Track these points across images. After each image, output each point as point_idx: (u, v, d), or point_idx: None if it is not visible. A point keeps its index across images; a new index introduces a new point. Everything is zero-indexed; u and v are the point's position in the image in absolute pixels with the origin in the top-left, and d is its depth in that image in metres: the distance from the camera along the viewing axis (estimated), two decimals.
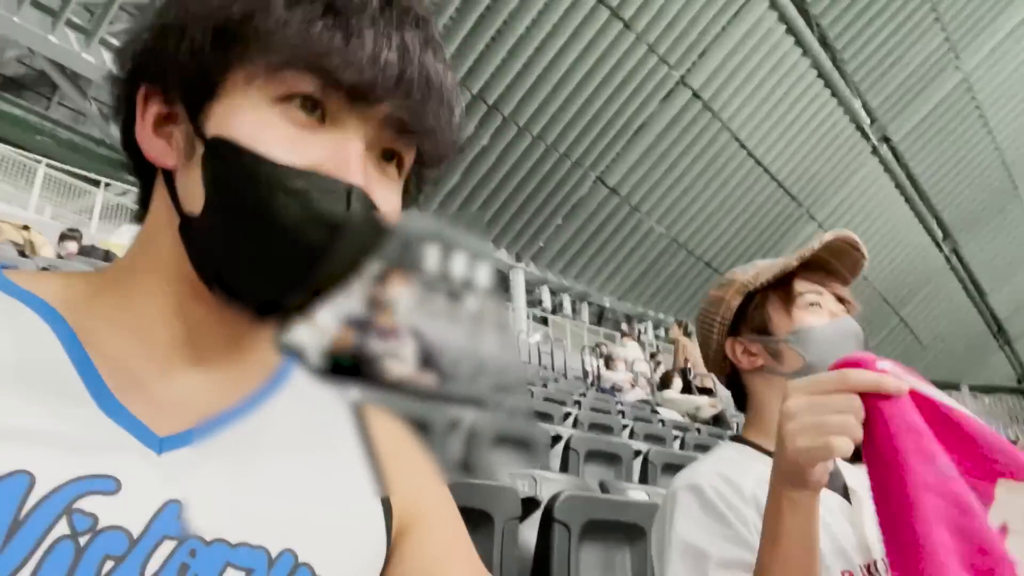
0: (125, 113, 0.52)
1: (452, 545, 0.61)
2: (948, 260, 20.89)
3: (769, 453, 0.94)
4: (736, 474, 0.90)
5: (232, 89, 0.48)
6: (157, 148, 0.50)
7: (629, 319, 15.98)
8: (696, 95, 13.39)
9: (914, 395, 0.63)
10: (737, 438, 1.03)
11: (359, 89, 0.48)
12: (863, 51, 14.74)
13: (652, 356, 11.32)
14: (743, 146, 14.61)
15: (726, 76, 13.42)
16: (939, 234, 19.95)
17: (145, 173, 0.53)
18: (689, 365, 7.93)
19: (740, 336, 1.01)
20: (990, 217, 20.14)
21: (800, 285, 0.99)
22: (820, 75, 14.46)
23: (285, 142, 0.47)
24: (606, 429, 3.97)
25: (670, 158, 14.06)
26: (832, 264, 1.01)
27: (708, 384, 7.35)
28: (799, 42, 13.72)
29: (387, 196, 0.52)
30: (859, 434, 0.62)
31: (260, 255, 0.48)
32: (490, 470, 2.09)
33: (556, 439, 2.91)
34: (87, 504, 0.43)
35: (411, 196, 0.58)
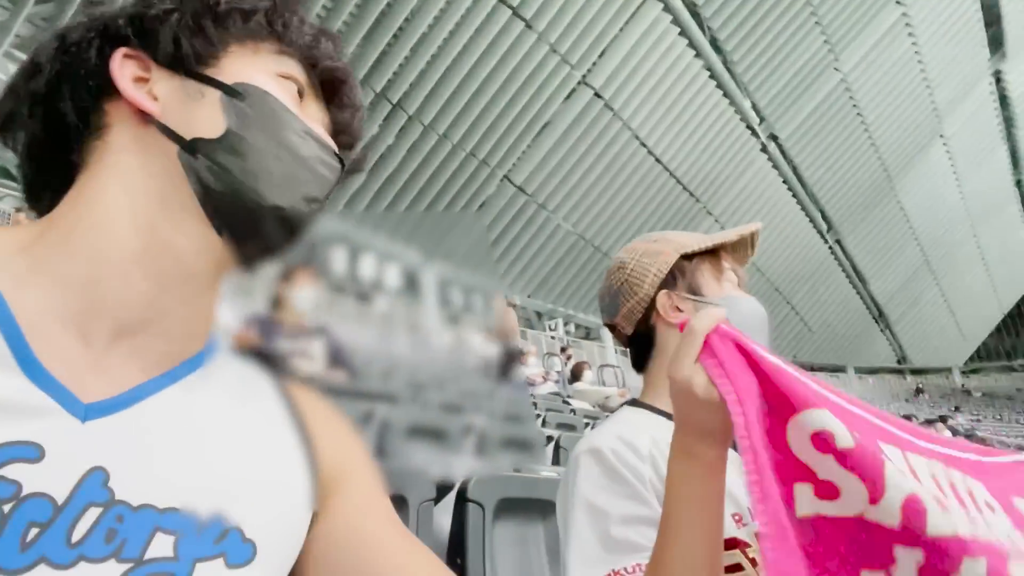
0: (85, 77, 0.56)
1: (373, 503, 0.64)
2: (832, 251, 22.28)
3: (665, 414, 0.99)
4: (633, 435, 0.94)
5: (233, 56, 0.57)
6: (142, 96, 0.55)
7: (540, 315, 16.21)
8: (597, 94, 13.72)
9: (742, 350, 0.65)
10: (634, 402, 1.07)
11: (333, 90, 0.62)
12: (751, 52, 15.52)
13: (563, 350, 11.51)
14: (643, 144, 15.09)
15: (625, 76, 13.82)
16: (823, 226, 21.24)
17: (77, 135, 0.56)
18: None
19: (673, 291, 1.06)
20: (869, 209, 21.62)
21: (726, 260, 1.08)
22: (712, 76, 15.12)
23: (289, 101, 0.58)
24: (518, 420, 4.02)
25: (575, 156, 14.35)
26: (734, 250, 1.11)
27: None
28: (692, 44, 14.29)
29: None
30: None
31: (276, 172, 0.55)
32: (403, 459, 2.08)
33: (470, 429, 2.93)
34: (10, 472, 0.43)
35: None
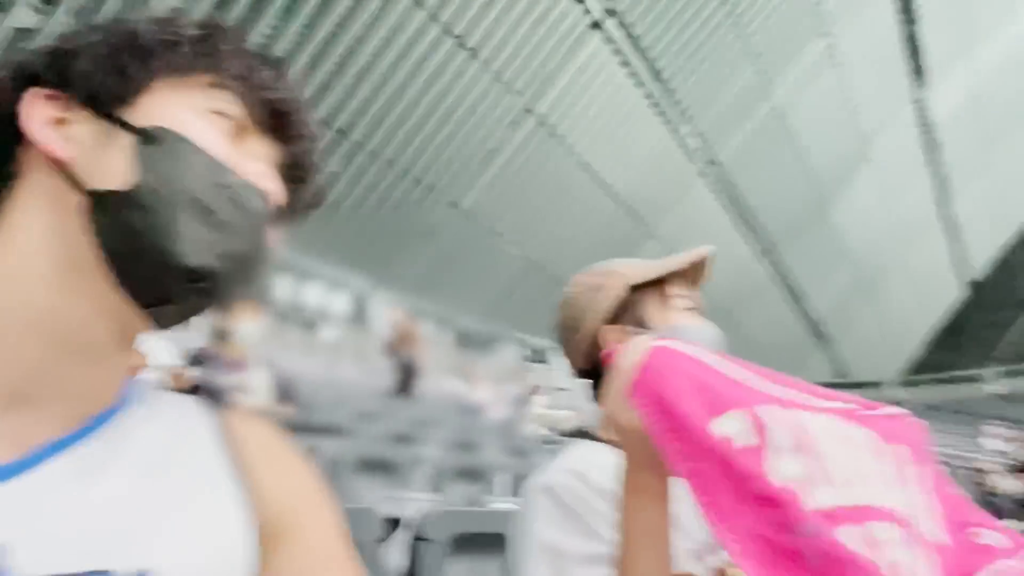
0: None
1: (328, 552, 0.59)
2: (770, 271, 22.90)
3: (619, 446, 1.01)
4: (584, 468, 0.93)
5: (156, 94, 0.52)
6: (53, 140, 0.50)
7: (491, 339, 16.17)
8: (541, 122, 13.91)
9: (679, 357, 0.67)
10: (584, 434, 1.07)
11: (275, 120, 0.57)
12: (688, 80, 15.97)
13: (516, 374, 11.51)
14: (587, 170, 15.33)
15: (568, 104, 14.05)
16: (760, 247, 21.84)
17: None
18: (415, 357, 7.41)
19: (616, 326, 1.04)
20: (804, 231, 22.33)
21: (672, 288, 1.07)
22: (653, 103, 15.51)
23: (216, 141, 0.52)
24: (471, 447, 4.01)
25: (520, 182, 14.46)
26: (687, 273, 1.11)
27: None
28: (632, 73, 14.64)
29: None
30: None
31: (188, 230, 0.49)
32: (352, 497, 2.07)
33: (421, 461, 2.92)
34: None
35: None
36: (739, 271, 21.21)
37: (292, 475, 0.61)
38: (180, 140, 0.51)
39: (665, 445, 0.62)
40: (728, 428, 0.61)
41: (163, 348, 2.89)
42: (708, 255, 1.10)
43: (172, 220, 0.48)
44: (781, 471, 0.59)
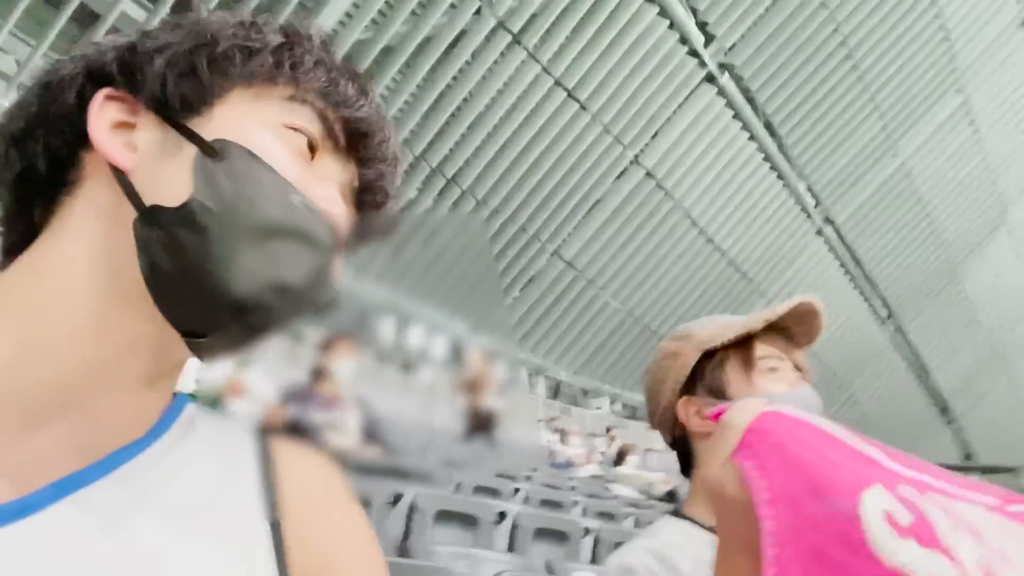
0: (61, 120, 0.49)
1: None
2: (892, 338, 21.52)
3: (711, 529, 0.89)
4: (673, 553, 0.84)
5: (230, 104, 0.49)
6: (116, 147, 0.47)
7: (585, 393, 15.93)
8: (649, 174, 13.82)
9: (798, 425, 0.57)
10: (676, 513, 0.97)
11: (354, 139, 0.53)
12: (806, 137, 15.49)
13: (608, 430, 11.23)
14: (695, 224, 15.03)
15: (677, 157, 13.91)
16: (883, 313, 20.59)
17: (48, 186, 0.49)
18: None
19: (694, 396, 0.95)
20: (931, 298, 20.93)
21: (761, 349, 0.95)
22: (766, 158, 15.10)
23: (287, 160, 0.49)
24: (556, 505, 3.86)
25: (625, 234, 14.35)
26: (791, 329, 0.99)
27: None
28: (746, 127, 14.36)
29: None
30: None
31: (240, 255, 0.44)
32: (426, 550, 1.98)
33: (503, 516, 2.80)
34: None
35: None
36: (857, 339, 20.03)
37: (338, 522, 0.55)
38: (245, 156, 0.47)
39: (762, 518, 0.52)
40: (877, 504, 0.50)
41: (261, 381, 2.95)
42: (810, 305, 0.97)
43: (224, 242, 0.44)
44: (960, 551, 0.48)
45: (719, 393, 0.93)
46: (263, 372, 2.98)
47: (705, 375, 0.95)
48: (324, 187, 0.50)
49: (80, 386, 0.44)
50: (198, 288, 0.44)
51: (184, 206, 0.44)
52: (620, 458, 7.51)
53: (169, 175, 0.46)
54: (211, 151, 0.46)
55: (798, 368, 0.96)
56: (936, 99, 16.49)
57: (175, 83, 0.48)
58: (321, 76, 0.51)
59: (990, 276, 21.48)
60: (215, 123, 0.48)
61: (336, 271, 0.51)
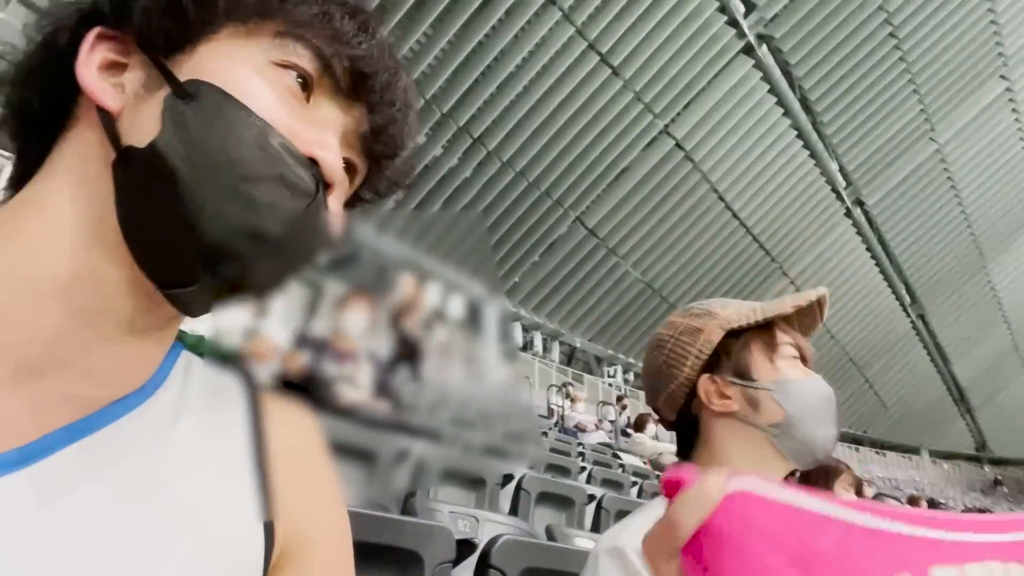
0: (56, 61, 0.47)
1: None
2: (914, 325, 21.26)
3: None
4: None
5: (218, 43, 0.46)
6: (103, 88, 0.45)
7: (599, 361, 15.97)
8: (679, 145, 13.62)
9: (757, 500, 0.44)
10: None
11: (356, 80, 0.49)
12: (842, 115, 15.15)
13: (619, 399, 11.27)
14: (721, 198, 14.84)
15: (708, 129, 13.68)
16: (907, 299, 20.32)
17: (42, 126, 0.48)
18: None
19: (717, 375, 0.94)
20: (957, 287, 20.60)
21: (782, 335, 0.94)
22: (800, 136, 14.80)
23: (272, 100, 0.45)
24: (563, 471, 3.90)
25: (649, 204, 14.22)
26: (797, 318, 0.98)
27: None
28: (781, 102, 14.05)
29: (336, 203, 0.49)
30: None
31: (211, 201, 0.42)
32: (430, 508, 2.02)
33: (508, 478, 2.84)
34: None
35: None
36: (878, 324, 19.84)
37: (317, 487, 0.55)
38: (217, 96, 0.43)
39: None
40: None
41: (278, 330, 3.00)
42: (825, 298, 0.96)
43: (191, 186, 0.41)
44: None
45: (744, 374, 0.92)
46: (279, 321, 3.01)
47: (731, 355, 0.93)
48: (316, 130, 0.46)
49: (70, 336, 0.43)
50: (166, 235, 0.42)
51: (149, 147, 0.42)
52: (639, 426, 7.50)
53: (144, 116, 0.44)
54: (182, 91, 0.43)
55: (803, 356, 0.95)
56: (979, 84, 16.00)
57: (159, 18, 0.45)
58: (314, 8, 0.47)
59: (1019, 270, 21.06)
60: (196, 61, 0.45)
61: (329, 221, 0.47)
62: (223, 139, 0.42)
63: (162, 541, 0.44)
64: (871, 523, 0.40)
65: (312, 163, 0.45)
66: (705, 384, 0.94)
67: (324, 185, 0.46)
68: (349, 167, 0.51)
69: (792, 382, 0.91)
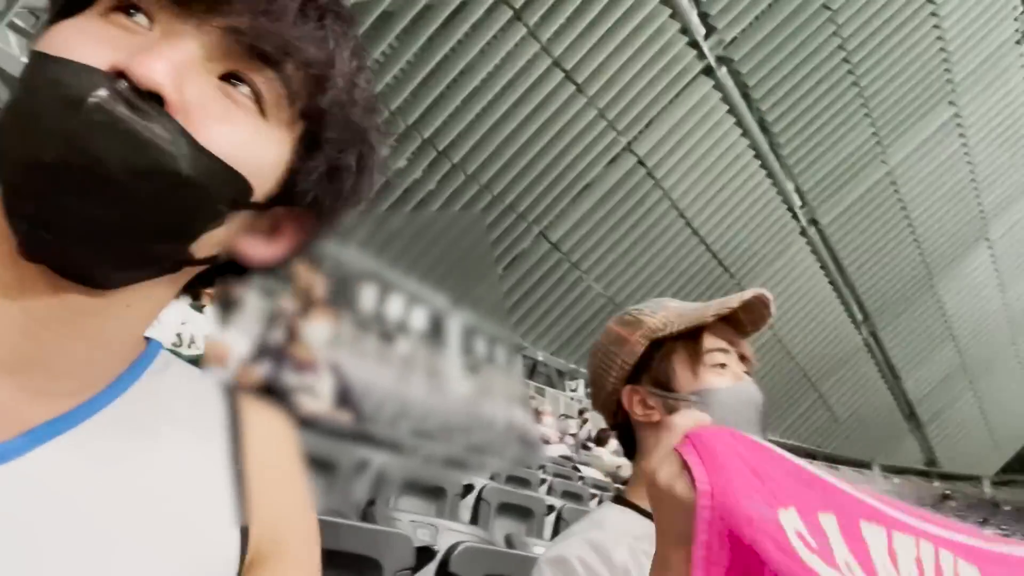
0: None
1: None
2: (866, 342, 21.78)
3: (650, 515, 0.90)
4: (608, 543, 0.83)
5: (75, 18, 0.43)
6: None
7: (561, 374, 16.02)
8: (641, 162, 13.82)
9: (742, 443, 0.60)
10: (619, 499, 0.97)
11: None
12: (798, 137, 15.55)
13: (580, 413, 11.31)
14: (682, 215, 15.08)
15: (670, 147, 13.91)
16: (859, 316, 20.84)
17: None
18: None
19: (639, 385, 0.95)
20: (906, 305, 21.18)
21: (709, 341, 0.95)
22: (757, 156, 15.15)
23: (88, 42, 0.40)
24: (523, 483, 3.91)
25: (612, 220, 14.38)
26: (739, 318, 0.98)
27: None
28: (739, 123, 14.38)
29: (228, 126, 0.42)
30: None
31: (11, 156, 0.39)
32: (389, 517, 2.01)
33: (469, 488, 2.84)
34: None
35: (313, 158, 0.48)
36: (833, 339, 20.28)
37: (290, 492, 0.55)
38: (32, 58, 0.41)
39: (699, 508, 0.55)
40: (790, 523, 0.54)
41: (237, 341, 2.94)
42: (762, 296, 0.96)
43: (1, 138, 0.39)
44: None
45: (664, 384, 0.93)
46: (237, 332, 2.96)
47: (652, 365, 0.94)
48: (140, 50, 0.40)
49: (31, 333, 0.42)
50: (15, 212, 0.40)
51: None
52: (601, 441, 7.56)
53: None
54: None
55: (743, 357, 0.96)
56: (929, 109, 16.59)
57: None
58: None
59: (967, 290, 21.78)
60: (45, 39, 0.42)
61: (162, 134, 0.39)
62: (16, 93, 0.40)
63: (139, 537, 0.44)
64: (819, 473, 0.58)
65: (116, 77, 0.39)
66: (628, 394, 0.95)
67: (156, 100, 0.39)
68: (244, 80, 0.44)
69: (713, 391, 0.91)
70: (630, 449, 0.99)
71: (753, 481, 0.55)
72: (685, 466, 0.58)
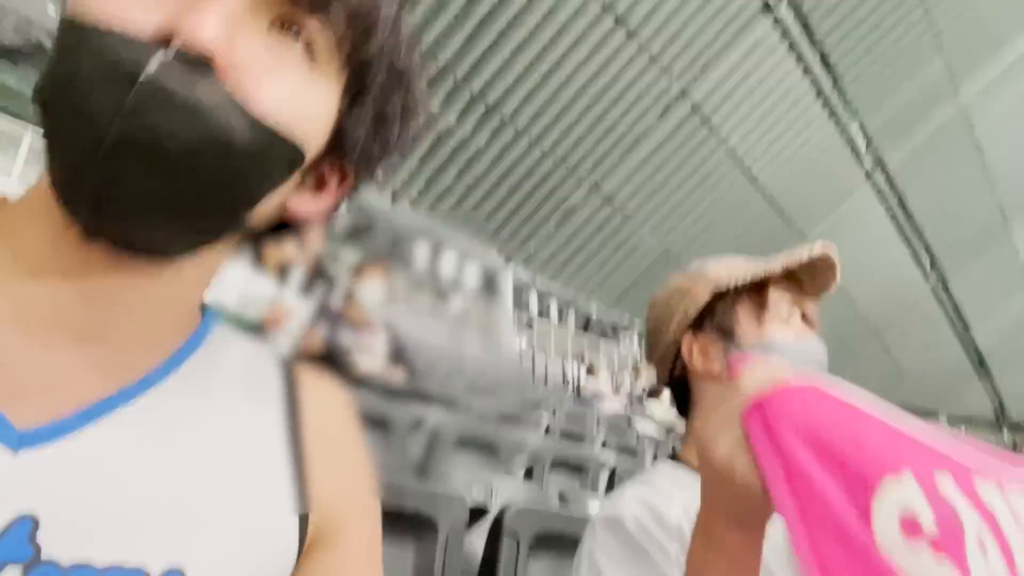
0: None
1: (364, 569, 0.54)
2: (934, 290, 21.00)
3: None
4: (662, 502, 0.82)
5: None
6: None
7: (615, 328, 15.97)
8: (695, 109, 13.40)
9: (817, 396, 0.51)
10: (674, 456, 0.96)
11: None
12: (864, 75, 14.80)
13: (634, 367, 11.29)
14: (739, 162, 14.64)
15: (727, 92, 13.43)
16: (927, 263, 20.06)
17: None
18: None
19: (700, 334, 0.93)
20: (978, 252, 20.27)
21: (775, 295, 0.92)
22: (819, 94, 14.50)
23: (126, 6, 0.39)
24: (578, 438, 3.93)
25: (666, 170, 14.06)
26: (804, 279, 0.95)
27: None
28: (800, 59, 13.75)
29: (281, 83, 0.42)
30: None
31: (59, 127, 0.39)
32: (445, 475, 2.05)
33: (522, 444, 2.87)
34: None
35: (359, 106, 0.47)
36: (898, 288, 19.61)
37: (350, 469, 0.55)
38: (64, 24, 0.40)
39: (784, 507, 0.47)
40: (896, 498, 0.45)
41: (299, 307, 3.02)
42: (829, 258, 0.91)
43: (49, 121, 0.40)
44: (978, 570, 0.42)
45: (727, 334, 0.91)
46: (299, 298, 3.03)
47: (716, 314, 0.92)
48: (183, 7, 0.39)
49: (71, 302, 0.43)
50: (55, 179, 0.41)
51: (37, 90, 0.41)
52: (654, 393, 7.53)
53: None
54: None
55: (806, 318, 0.93)
56: (1004, 39, 15.52)
57: None
58: None
59: None
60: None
61: (217, 100, 0.39)
62: (56, 64, 0.39)
63: (192, 521, 0.44)
64: (906, 429, 0.51)
65: (165, 43, 0.38)
66: (688, 342, 0.93)
67: (204, 64, 0.39)
68: (294, 27, 0.43)
69: (774, 344, 0.88)
70: (684, 404, 0.96)
71: (846, 451, 0.47)
72: (749, 439, 0.50)
